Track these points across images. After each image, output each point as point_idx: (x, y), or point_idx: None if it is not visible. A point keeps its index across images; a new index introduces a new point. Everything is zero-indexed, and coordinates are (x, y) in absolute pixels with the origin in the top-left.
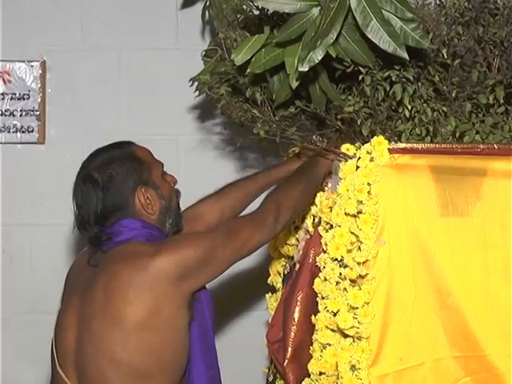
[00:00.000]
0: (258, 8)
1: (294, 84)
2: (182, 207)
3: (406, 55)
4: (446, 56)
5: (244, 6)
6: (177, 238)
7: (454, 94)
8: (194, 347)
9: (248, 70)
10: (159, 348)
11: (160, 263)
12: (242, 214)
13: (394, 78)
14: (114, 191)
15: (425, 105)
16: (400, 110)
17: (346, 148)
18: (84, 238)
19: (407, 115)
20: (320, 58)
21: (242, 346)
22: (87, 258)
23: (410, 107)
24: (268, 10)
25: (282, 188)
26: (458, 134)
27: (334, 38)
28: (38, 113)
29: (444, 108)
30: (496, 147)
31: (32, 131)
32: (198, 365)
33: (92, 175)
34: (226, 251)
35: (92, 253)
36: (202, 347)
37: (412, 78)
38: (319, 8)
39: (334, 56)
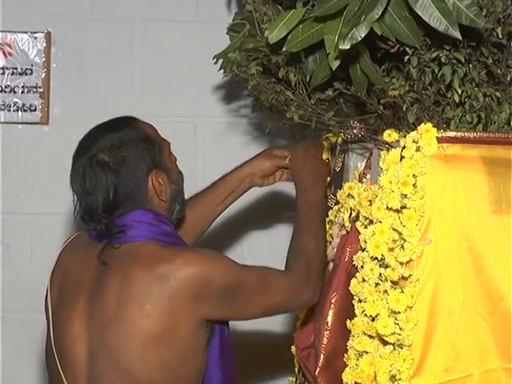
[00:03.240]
0: None
1: (335, 64)
2: None
3: (458, 35)
4: (501, 36)
5: None
6: (208, 252)
7: (509, 78)
8: (212, 364)
9: (284, 49)
10: (178, 366)
11: (182, 273)
12: (282, 270)
13: (443, 59)
14: (126, 176)
15: (476, 89)
16: (449, 95)
17: (388, 134)
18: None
19: (457, 100)
20: (363, 36)
21: (266, 352)
22: (92, 251)
23: (460, 91)
24: None
25: (304, 248)
26: None
27: (380, 13)
28: (41, 90)
29: (497, 93)
30: None
31: (35, 110)
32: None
33: (102, 158)
34: (251, 297)
35: (102, 246)
36: (222, 365)
37: (463, 60)
38: None
39: (379, 34)
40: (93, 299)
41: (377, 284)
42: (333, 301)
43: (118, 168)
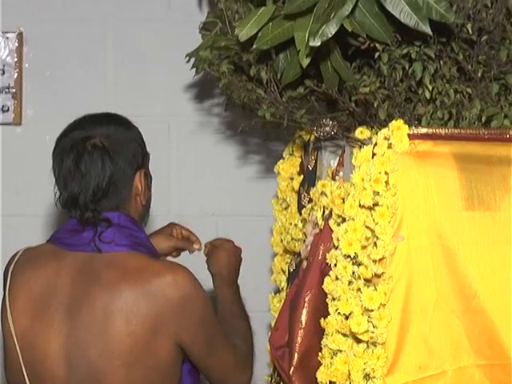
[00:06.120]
0: None
1: (305, 62)
2: (177, 198)
3: (429, 30)
4: (471, 31)
5: None
6: (192, 274)
7: (479, 74)
8: (183, 379)
9: (254, 46)
10: None
11: (171, 292)
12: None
13: (413, 56)
14: (120, 168)
15: (447, 85)
16: (420, 92)
17: (360, 131)
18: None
19: (427, 97)
20: (334, 32)
21: None
22: (64, 261)
23: (430, 88)
24: None
25: (243, 333)
26: (484, 119)
27: (350, 10)
28: (13, 90)
29: (468, 89)
30: None
31: (7, 111)
32: None
33: (101, 142)
34: (217, 343)
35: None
36: (191, 379)
37: (433, 56)
38: None
39: (349, 30)
40: (73, 315)
41: (350, 282)
42: (306, 299)
43: (114, 156)
